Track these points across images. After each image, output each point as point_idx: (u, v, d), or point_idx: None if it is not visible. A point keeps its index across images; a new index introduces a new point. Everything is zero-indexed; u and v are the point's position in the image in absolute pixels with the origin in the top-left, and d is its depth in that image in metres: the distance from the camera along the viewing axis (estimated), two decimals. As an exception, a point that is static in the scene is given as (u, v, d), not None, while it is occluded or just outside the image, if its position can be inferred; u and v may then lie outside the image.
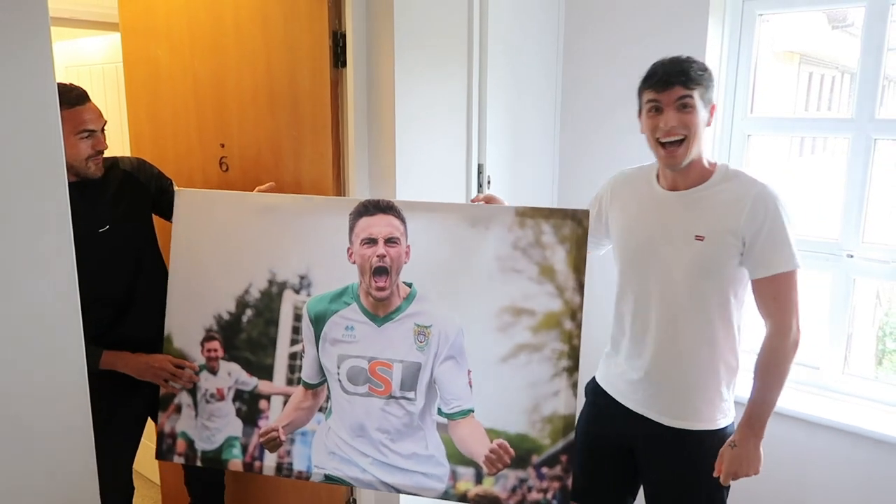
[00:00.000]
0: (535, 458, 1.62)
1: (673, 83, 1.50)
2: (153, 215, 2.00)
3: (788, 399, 2.21)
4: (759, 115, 2.32)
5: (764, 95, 2.41)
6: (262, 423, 1.75)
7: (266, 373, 1.75)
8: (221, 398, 1.77)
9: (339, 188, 2.03)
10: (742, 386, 1.65)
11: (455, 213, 1.67)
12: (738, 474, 1.56)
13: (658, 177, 1.67)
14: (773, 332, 1.55)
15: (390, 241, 1.65)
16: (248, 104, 2.10)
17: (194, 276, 1.80)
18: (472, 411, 1.64)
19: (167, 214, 1.93)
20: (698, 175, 1.59)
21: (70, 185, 1.72)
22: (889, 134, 2.09)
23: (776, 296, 1.53)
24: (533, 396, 1.62)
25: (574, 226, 1.60)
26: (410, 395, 1.65)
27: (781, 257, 1.51)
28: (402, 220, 1.66)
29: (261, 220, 1.76)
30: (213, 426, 1.78)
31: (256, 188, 1.95)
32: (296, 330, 1.73)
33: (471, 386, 1.63)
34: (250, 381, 1.76)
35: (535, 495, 1.62)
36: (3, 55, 1.20)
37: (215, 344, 1.78)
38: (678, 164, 1.55)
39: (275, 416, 1.74)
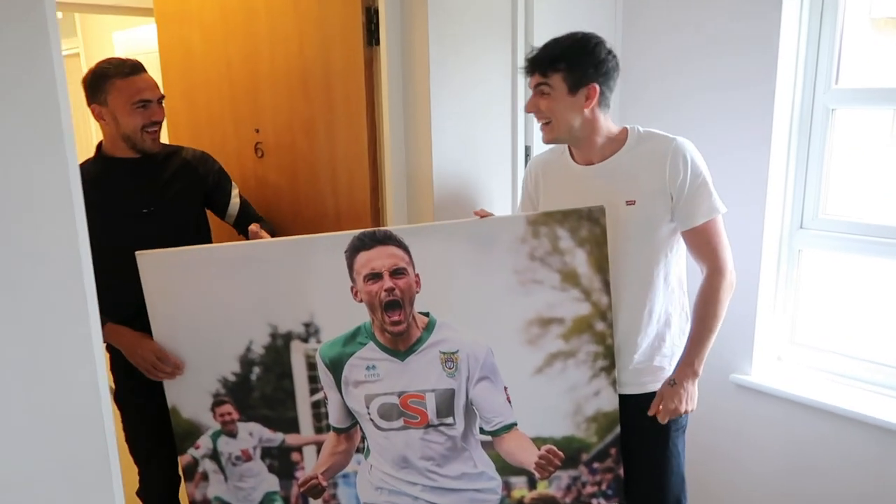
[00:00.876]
0: (585, 456, 1.64)
1: (532, 70, 1.54)
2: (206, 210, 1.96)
3: (867, 403, 2.01)
4: (845, 87, 2.05)
5: (854, 68, 2.15)
6: (298, 474, 1.68)
7: (291, 426, 1.65)
8: (248, 458, 1.69)
9: (375, 173, 1.92)
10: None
11: (461, 232, 1.57)
12: (677, 411, 1.60)
13: (571, 154, 1.66)
14: (710, 272, 1.59)
15: (396, 272, 1.54)
16: (282, 88, 2.01)
17: (184, 345, 1.65)
18: (516, 424, 1.61)
19: (218, 211, 1.94)
20: (608, 145, 1.59)
21: (122, 161, 1.78)
22: None
23: (708, 240, 1.58)
24: (574, 400, 1.61)
25: (591, 226, 1.54)
26: (448, 420, 1.60)
27: (708, 205, 1.56)
28: (405, 249, 1.55)
29: (244, 273, 1.60)
30: (246, 486, 1.70)
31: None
32: (313, 379, 1.64)
33: (509, 401, 1.59)
34: (275, 437, 1.67)
35: (589, 489, 1.66)
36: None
37: (227, 408, 1.67)
38: (552, 140, 1.59)
39: (310, 465, 1.66)
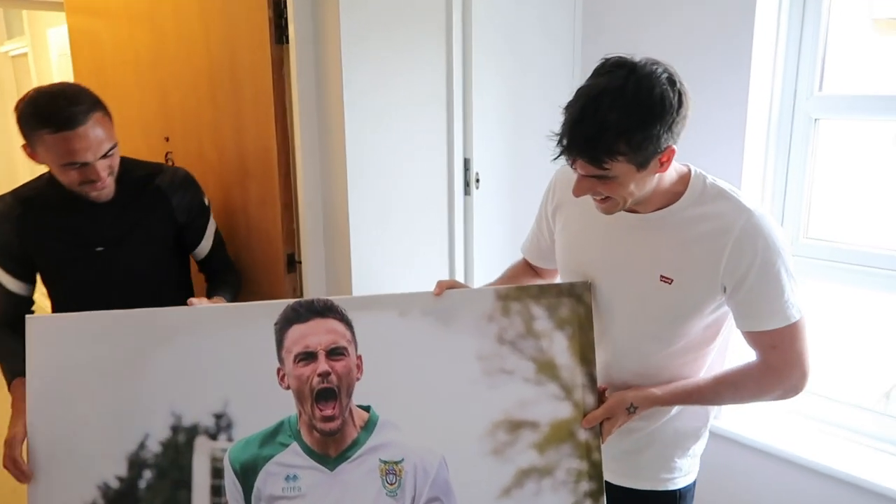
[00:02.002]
0: None
1: (577, 158, 1.09)
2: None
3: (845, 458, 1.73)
4: (831, 93, 1.79)
5: (853, 73, 1.89)
6: None
7: None
8: None
9: (288, 186, 1.72)
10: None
11: (416, 305, 1.28)
12: (613, 413, 1.23)
13: None
14: (768, 371, 1.19)
15: (335, 352, 1.24)
16: (190, 91, 1.82)
17: (64, 434, 1.33)
18: None
19: (187, 247, 1.65)
20: (662, 198, 1.18)
21: (65, 195, 1.47)
22: None
23: (775, 344, 1.17)
24: None
25: (573, 303, 1.26)
26: None
27: (774, 311, 1.14)
28: (347, 324, 1.26)
29: (151, 347, 1.31)
30: None
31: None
32: (216, 490, 1.29)
33: None
34: None
35: None
36: None
37: None
38: (609, 213, 1.17)
39: None
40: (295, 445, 1.26)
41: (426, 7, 1.72)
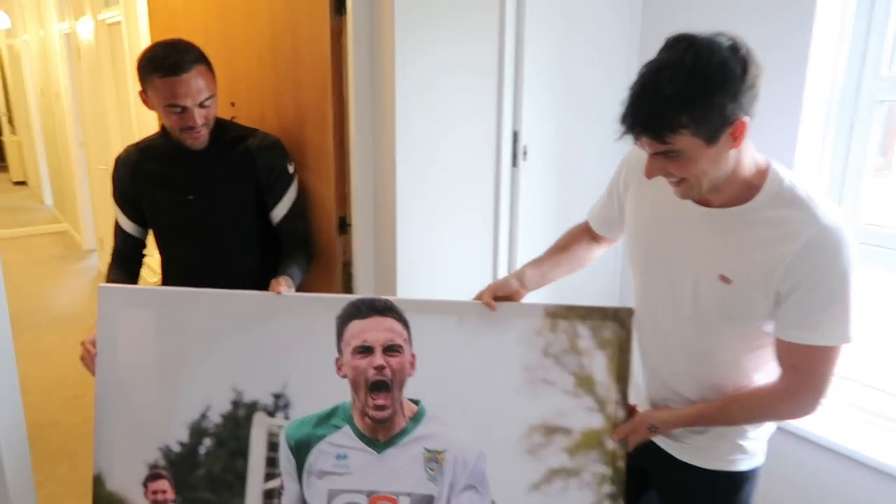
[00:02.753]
0: None
1: (640, 135, 1.07)
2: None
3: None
4: (899, 74, 1.71)
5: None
6: None
7: None
8: None
9: (342, 157, 1.80)
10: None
11: (471, 313, 1.37)
12: (633, 432, 1.31)
13: None
14: (783, 391, 1.19)
15: (391, 349, 1.36)
16: (254, 59, 1.93)
17: (130, 398, 1.45)
18: None
19: (266, 209, 1.78)
20: (737, 192, 1.15)
21: (173, 147, 1.70)
22: None
23: (797, 365, 1.16)
24: None
25: (616, 327, 1.34)
26: None
27: (821, 323, 1.10)
28: (405, 324, 1.36)
29: (218, 325, 1.42)
30: None
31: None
32: (271, 462, 1.41)
33: None
34: None
35: None
36: None
37: (163, 483, 1.44)
38: (688, 198, 1.16)
39: None
40: (347, 428, 1.37)
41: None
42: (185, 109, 1.57)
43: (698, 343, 1.25)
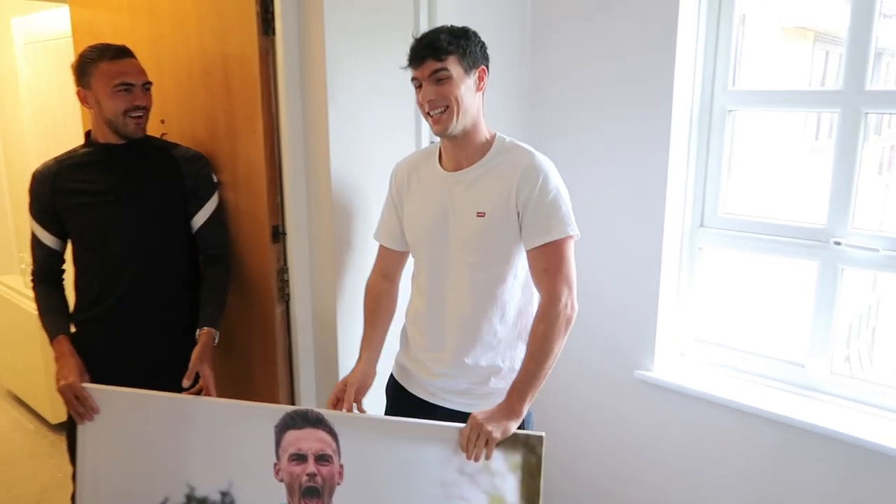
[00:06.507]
0: None
1: (424, 57, 1.49)
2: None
3: (767, 399, 2.03)
4: (741, 89, 2.11)
5: (764, 73, 2.21)
6: None
7: None
8: None
9: (273, 169, 1.90)
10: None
11: (394, 430, 1.51)
12: (479, 437, 1.44)
13: (440, 158, 1.64)
14: (543, 302, 1.52)
15: (321, 458, 1.51)
16: (184, 77, 1.99)
17: (105, 484, 1.65)
18: None
19: (188, 216, 1.88)
20: (478, 147, 1.59)
21: (105, 147, 1.79)
22: (881, 107, 1.87)
23: (547, 266, 1.52)
24: None
25: (526, 453, 1.46)
26: None
27: (550, 225, 1.51)
28: (334, 436, 1.51)
29: (179, 425, 1.61)
30: None
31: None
32: None
33: None
34: None
35: None
36: None
37: None
38: (447, 131, 1.52)
39: None
40: None
41: (398, 9, 1.94)
42: (132, 88, 1.73)
43: (477, 279, 1.57)
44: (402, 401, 1.74)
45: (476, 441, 1.44)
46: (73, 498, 1.87)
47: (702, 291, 2.24)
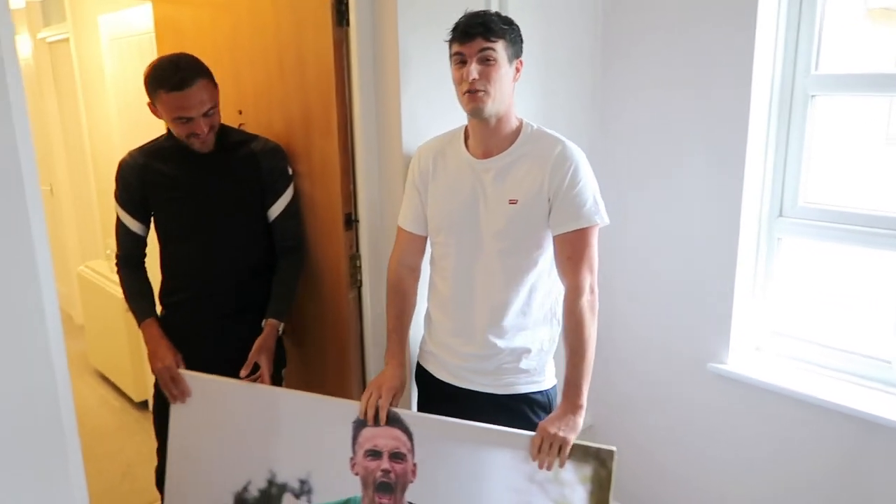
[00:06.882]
0: None
1: (474, 35, 1.49)
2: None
3: (851, 395, 1.96)
4: (826, 73, 2.02)
5: (848, 57, 2.10)
6: None
7: None
8: None
9: (346, 158, 1.94)
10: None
11: (467, 434, 1.53)
12: (548, 438, 1.47)
13: (467, 144, 1.65)
14: (568, 293, 1.57)
15: (396, 455, 1.56)
16: (261, 70, 2.05)
17: (193, 465, 1.76)
18: None
19: (265, 207, 1.94)
20: (508, 135, 1.60)
21: (180, 149, 1.84)
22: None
23: (571, 254, 1.55)
24: None
25: (597, 466, 1.46)
26: None
27: (578, 214, 1.54)
28: (409, 435, 1.56)
29: (263, 415, 1.70)
30: None
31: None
32: None
33: None
34: None
35: None
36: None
37: None
38: (481, 111, 1.52)
39: None
40: None
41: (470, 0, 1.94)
42: (191, 119, 1.73)
43: (510, 265, 1.59)
44: (430, 388, 1.77)
45: (549, 449, 1.46)
46: (157, 471, 1.98)
47: (780, 283, 2.17)
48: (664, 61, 2.15)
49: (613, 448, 1.45)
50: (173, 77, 1.70)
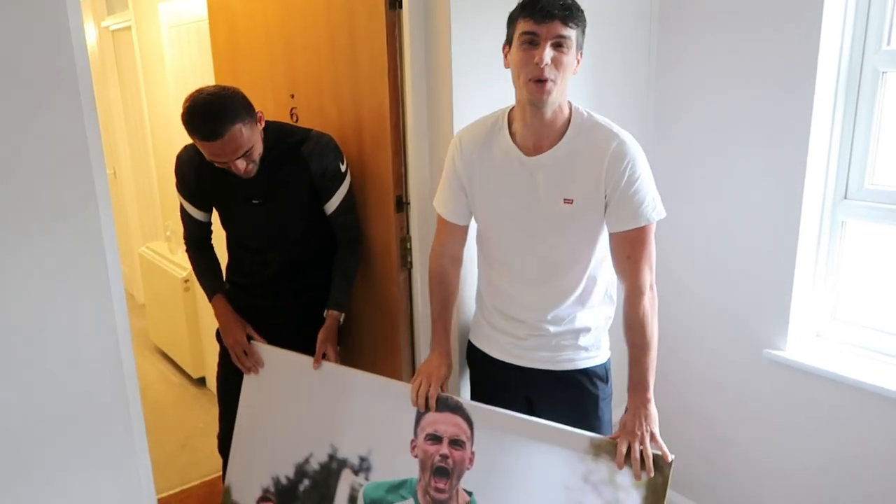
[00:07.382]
0: None
1: (554, 16, 1.37)
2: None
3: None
4: (898, 47, 1.92)
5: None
6: None
7: None
8: None
9: (398, 142, 1.95)
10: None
11: (526, 429, 1.54)
12: (633, 439, 1.46)
13: (511, 132, 1.56)
14: (629, 292, 1.55)
15: (455, 442, 1.57)
16: (312, 54, 2.07)
17: (259, 433, 1.83)
18: None
19: (320, 204, 1.95)
20: (559, 127, 1.52)
21: None
22: None
23: (630, 253, 1.52)
24: None
25: (654, 472, 1.43)
26: None
27: (637, 212, 1.50)
28: (470, 423, 1.57)
29: (330, 391, 1.75)
30: None
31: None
32: None
33: None
34: None
35: None
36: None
37: None
38: (546, 102, 1.43)
39: None
40: (411, 501, 1.60)
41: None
42: (227, 163, 1.72)
43: (563, 268, 1.58)
44: (483, 365, 1.78)
45: (638, 449, 1.44)
46: (219, 437, 2.07)
47: (843, 268, 2.09)
48: (727, 36, 2.08)
49: (672, 457, 1.44)
50: (202, 127, 1.65)
